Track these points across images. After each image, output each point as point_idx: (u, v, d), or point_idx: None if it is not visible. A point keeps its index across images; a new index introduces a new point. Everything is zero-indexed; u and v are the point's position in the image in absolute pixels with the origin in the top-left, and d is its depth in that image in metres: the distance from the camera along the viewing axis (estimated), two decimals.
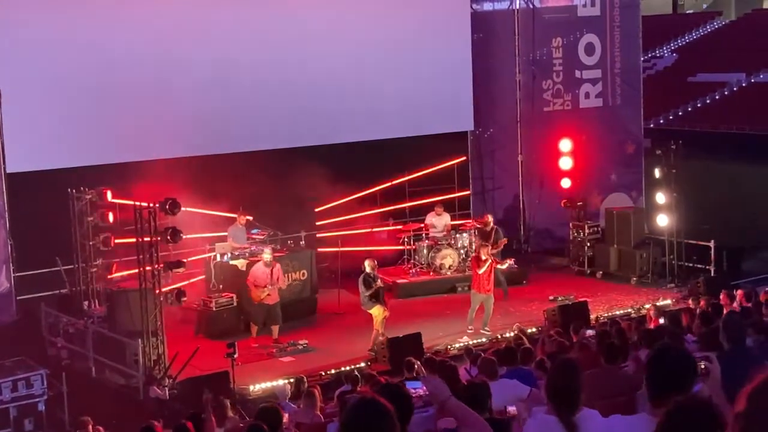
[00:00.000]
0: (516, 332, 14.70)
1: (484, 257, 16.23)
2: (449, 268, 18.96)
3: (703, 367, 4.27)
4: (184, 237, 15.08)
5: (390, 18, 20.21)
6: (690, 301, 15.92)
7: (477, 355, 11.69)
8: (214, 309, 16.29)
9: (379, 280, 15.66)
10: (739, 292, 14.21)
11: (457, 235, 19.34)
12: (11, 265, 16.56)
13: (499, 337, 15.46)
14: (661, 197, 19.44)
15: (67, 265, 16.69)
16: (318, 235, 19.79)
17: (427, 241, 19.33)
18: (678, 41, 56.07)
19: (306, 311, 17.41)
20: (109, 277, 16.57)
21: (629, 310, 17.16)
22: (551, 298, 17.84)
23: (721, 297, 14.10)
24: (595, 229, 20.27)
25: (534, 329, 15.92)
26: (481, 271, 16.07)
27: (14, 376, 13.15)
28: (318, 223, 20.06)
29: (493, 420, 5.65)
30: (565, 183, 21.30)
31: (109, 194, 16.12)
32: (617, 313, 16.78)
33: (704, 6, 68.70)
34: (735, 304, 13.40)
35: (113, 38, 17.24)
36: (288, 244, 18.05)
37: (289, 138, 19.26)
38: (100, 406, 12.44)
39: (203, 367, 14.07)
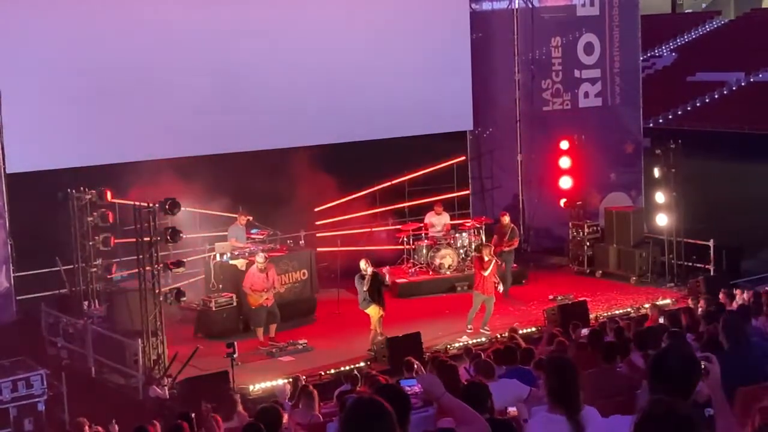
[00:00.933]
0: (509, 333, 14.64)
1: (487, 258, 16.20)
2: (448, 267, 18.97)
3: (703, 367, 4.28)
4: (183, 237, 15.10)
5: (389, 17, 20.20)
6: (689, 301, 15.95)
7: (477, 355, 11.71)
8: (213, 309, 16.30)
9: (380, 278, 15.69)
10: (738, 292, 14.24)
11: (457, 235, 19.35)
12: (11, 265, 16.56)
13: (498, 336, 15.46)
14: (660, 197, 19.44)
15: (66, 265, 16.69)
16: (317, 235, 19.80)
17: (426, 241, 19.34)
18: (677, 41, 56.08)
19: (305, 311, 17.41)
20: (108, 277, 16.58)
21: (629, 309, 17.16)
22: (551, 297, 17.85)
23: (720, 296, 14.11)
24: (595, 228, 20.28)
25: (533, 329, 15.94)
26: (486, 273, 16.03)
27: (14, 376, 13.15)
28: (317, 223, 20.06)
29: (494, 420, 5.65)
30: (565, 182, 21.31)
31: (108, 194, 16.13)
32: (617, 312, 16.79)
33: (703, 5, 68.74)
34: (734, 304, 13.42)
35: (113, 38, 17.24)
36: (288, 244, 18.05)
37: (289, 138, 19.24)
38: (100, 406, 12.43)
39: (203, 367, 14.07)
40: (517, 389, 8.43)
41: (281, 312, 16.07)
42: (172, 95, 17.76)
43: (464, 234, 19.41)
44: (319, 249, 18.83)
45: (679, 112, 47.40)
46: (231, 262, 16.85)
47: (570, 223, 20.46)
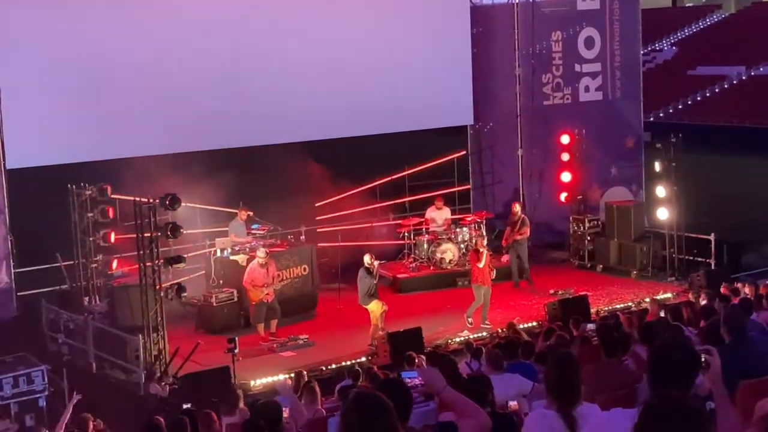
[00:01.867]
0: (508, 329, 14.62)
1: (481, 249, 16.27)
2: (449, 262, 18.97)
3: (703, 360, 4.27)
4: (184, 232, 15.10)
5: (389, 12, 20.19)
6: (690, 295, 15.95)
7: (478, 350, 11.71)
8: (214, 304, 16.30)
9: (377, 276, 15.68)
10: (740, 285, 14.23)
11: (458, 230, 19.33)
12: (11, 261, 16.56)
13: (500, 331, 15.45)
14: (661, 191, 19.43)
15: (67, 260, 16.70)
16: (318, 230, 19.79)
17: (427, 236, 19.33)
18: (678, 34, 56.01)
19: (306, 306, 17.41)
20: (109, 272, 16.58)
21: (629, 303, 17.16)
22: (552, 291, 17.85)
23: (722, 290, 14.10)
24: (596, 222, 20.28)
25: (534, 323, 15.94)
26: (481, 264, 16.08)
27: (15, 372, 13.16)
28: (318, 218, 20.05)
29: (496, 414, 5.65)
30: (565, 177, 21.28)
31: (109, 190, 16.12)
32: (617, 306, 16.79)
33: None
34: (736, 298, 13.41)
35: (113, 34, 17.22)
36: (288, 239, 18.05)
37: (289, 133, 19.24)
38: (101, 402, 12.43)
39: (204, 362, 14.07)
40: (521, 384, 8.44)
41: (282, 307, 16.07)
42: (172, 91, 17.76)
43: (465, 229, 19.41)
44: (319, 244, 18.83)
45: (680, 106, 47.35)
46: (231, 257, 16.85)
47: (571, 218, 20.45)
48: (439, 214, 19.52)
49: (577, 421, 4.72)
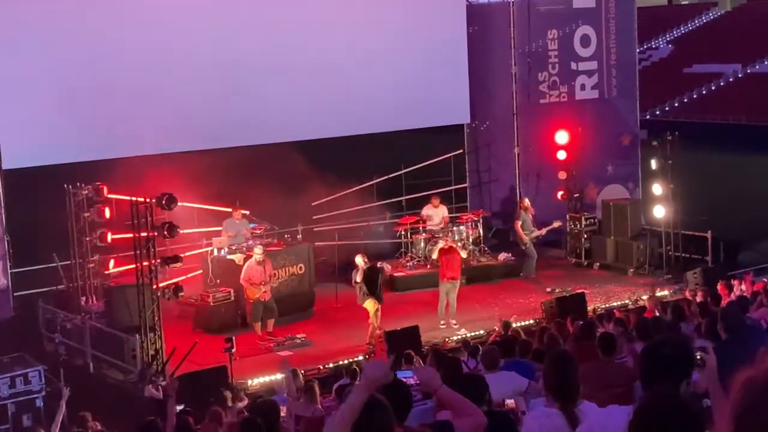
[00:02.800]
0: (503, 328, 14.61)
1: (446, 246, 16.69)
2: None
3: (699, 357, 4.27)
4: (180, 232, 15.08)
5: (385, 11, 20.19)
6: (687, 292, 15.96)
7: (475, 348, 11.71)
8: (211, 303, 16.29)
9: (376, 270, 15.71)
10: (736, 282, 14.25)
11: (454, 228, 19.34)
12: (8, 261, 16.55)
13: (497, 329, 15.44)
14: (657, 188, 19.44)
15: (64, 261, 16.68)
16: (315, 229, 19.77)
17: (424, 234, 19.34)
18: (673, 32, 56.06)
19: (303, 305, 17.40)
20: (106, 272, 16.56)
21: (626, 301, 17.17)
22: (548, 289, 17.87)
23: (719, 287, 14.13)
24: (592, 220, 20.28)
25: (531, 321, 15.95)
26: (463, 255, 16.84)
27: (12, 372, 13.14)
28: (315, 217, 20.04)
29: (492, 413, 5.65)
30: (562, 175, 21.29)
31: (105, 190, 16.11)
32: (614, 304, 16.80)
33: None
34: (733, 295, 13.43)
35: (109, 34, 17.21)
36: (285, 239, 18.04)
37: (286, 132, 19.23)
38: (99, 402, 12.42)
39: (201, 362, 14.06)
40: (517, 382, 8.43)
41: (279, 306, 16.07)
42: (168, 91, 17.75)
43: (461, 227, 19.42)
44: (316, 243, 18.82)
45: (676, 104, 47.40)
46: (229, 257, 16.82)
47: (567, 216, 20.45)
48: (435, 213, 19.52)
49: (578, 418, 4.73)
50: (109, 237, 16.12)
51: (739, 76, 47.91)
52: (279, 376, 13.65)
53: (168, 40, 17.77)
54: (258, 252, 15.73)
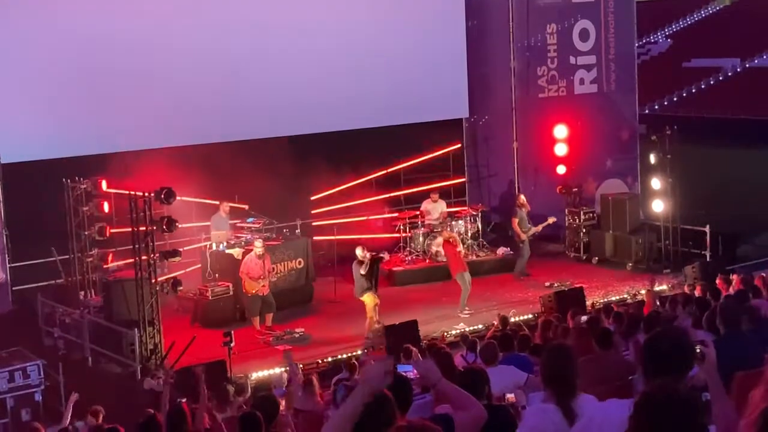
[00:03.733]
0: (500, 323, 14.61)
1: (450, 239, 16.92)
2: (445, 255, 18.96)
3: (698, 351, 4.28)
4: (179, 226, 15.08)
5: (384, 6, 20.17)
6: (686, 286, 15.96)
7: (474, 342, 11.71)
8: (210, 298, 16.30)
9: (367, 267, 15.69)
10: (734, 277, 14.23)
11: (453, 222, 19.35)
12: (7, 255, 16.53)
13: (495, 323, 15.45)
14: (656, 183, 19.45)
15: (62, 255, 16.67)
16: (314, 224, 19.78)
17: (422, 229, 19.34)
18: (672, 26, 56.03)
19: (302, 299, 17.42)
20: (104, 266, 16.55)
21: (625, 295, 17.18)
22: (547, 284, 17.89)
23: (717, 282, 14.11)
24: (591, 215, 20.29)
25: (530, 315, 15.96)
26: (460, 248, 17.08)
27: (11, 366, 13.14)
28: (313, 212, 20.04)
29: (492, 407, 5.65)
30: (561, 169, 21.29)
31: (104, 184, 16.10)
32: (613, 298, 16.81)
33: None
34: (731, 289, 13.42)
35: (106, 27, 17.18)
36: (284, 233, 18.03)
37: (284, 126, 19.22)
38: (98, 396, 12.42)
39: (200, 356, 14.05)
40: (515, 375, 8.44)
41: (278, 300, 16.07)
42: (166, 84, 17.73)
43: (460, 221, 19.43)
44: (315, 237, 18.83)
45: (675, 99, 47.39)
46: (227, 251, 16.83)
47: (566, 210, 20.46)
48: (434, 207, 19.52)
49: (575, 413, 4.73)
50: (108, 231, 16.09)
51: (738, 70, 47.90)
52: (278, 370, 13.65)
53: (166, 34, 17.75)
54: (258, 246, 15.74)
